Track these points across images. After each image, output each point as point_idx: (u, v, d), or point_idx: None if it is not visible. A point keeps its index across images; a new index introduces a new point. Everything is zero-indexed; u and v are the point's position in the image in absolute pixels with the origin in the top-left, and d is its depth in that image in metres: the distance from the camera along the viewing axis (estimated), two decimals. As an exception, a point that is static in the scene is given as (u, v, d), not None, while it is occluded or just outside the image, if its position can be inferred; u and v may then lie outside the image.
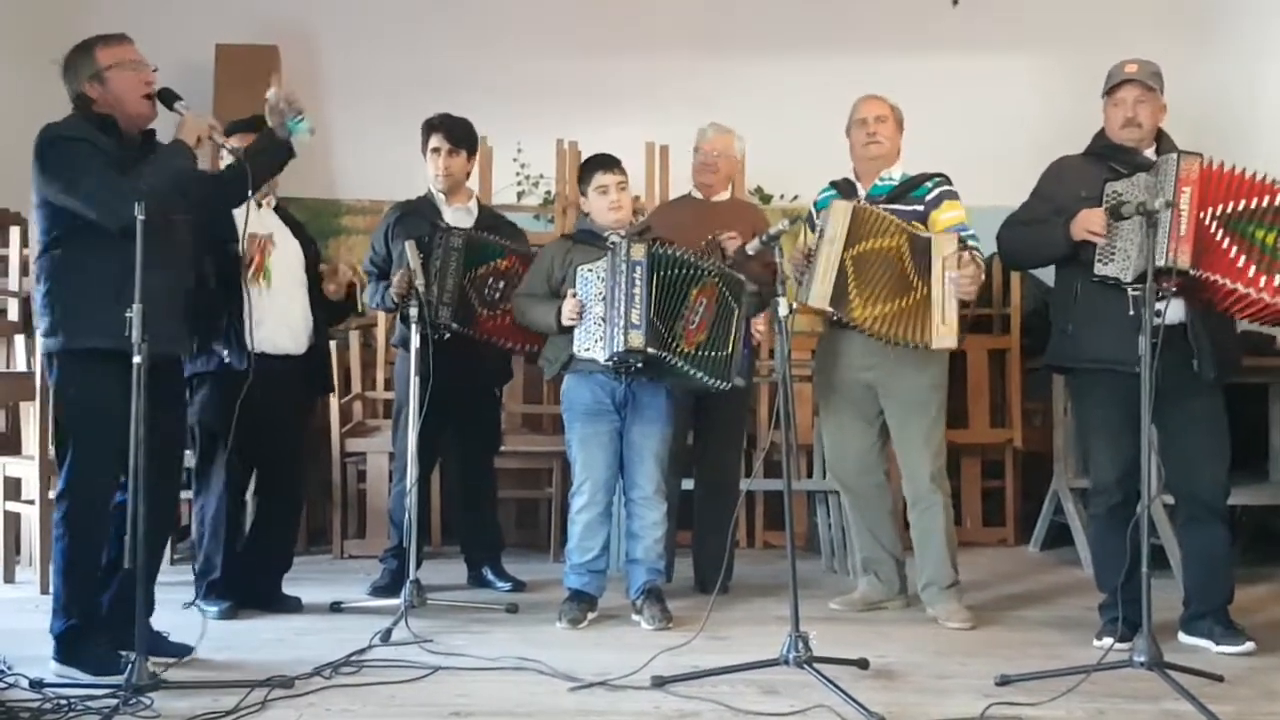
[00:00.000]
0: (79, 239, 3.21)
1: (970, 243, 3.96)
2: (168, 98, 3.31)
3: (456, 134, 4.47)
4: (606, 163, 4.09)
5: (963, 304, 3.98)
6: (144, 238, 3.05)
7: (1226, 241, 3.40)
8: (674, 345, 3.81)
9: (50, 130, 3.23)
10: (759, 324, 3.92)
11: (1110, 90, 3.70)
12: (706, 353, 3.84)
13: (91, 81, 3.30)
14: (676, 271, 3.84)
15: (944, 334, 3.88)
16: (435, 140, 4.46)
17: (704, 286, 3.86)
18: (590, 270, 3.87)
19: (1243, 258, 3.39)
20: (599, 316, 3.83)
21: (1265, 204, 3.42)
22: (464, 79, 6.43)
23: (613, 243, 3.88)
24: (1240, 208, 3.42)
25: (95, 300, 3.19)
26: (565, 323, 3.87)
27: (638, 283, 3.78)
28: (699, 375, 3.83)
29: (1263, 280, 3.38)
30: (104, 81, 3.29)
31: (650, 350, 3.76)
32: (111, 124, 3.28)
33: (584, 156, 5.17)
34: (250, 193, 3.55)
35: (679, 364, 3.81)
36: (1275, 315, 3.50)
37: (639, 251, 3.82)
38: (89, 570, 3.28)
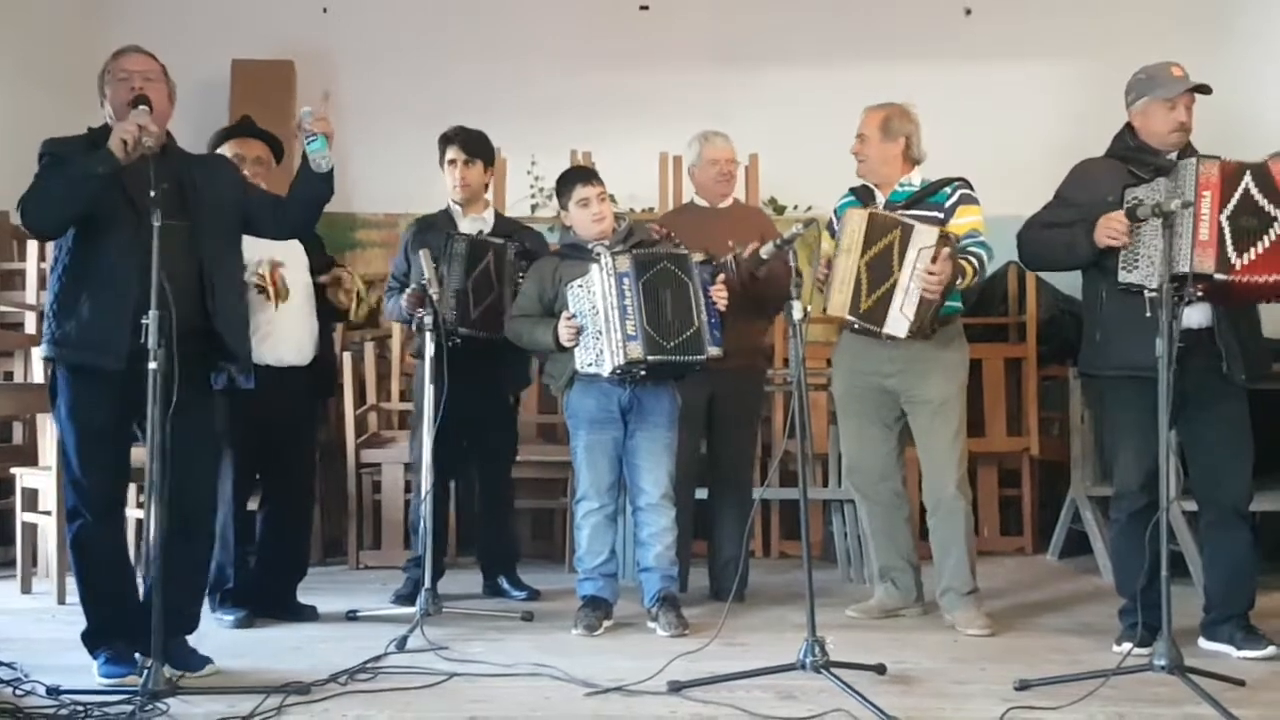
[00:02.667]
0: (66, 250, 3.27)
1: (971, 248, 3.93)
2: (136, 104, 3.22)
3: (472, 145, 4.50)
4: (585, 175, 4.12)
5: (942, 302, 3.89)
6: (108, 246, 3.09)
7: (1229, 238, 3.39)
8: (667, 345, 3.83)
9: (40, 146, 3.30)
10: (718, 290, 3.92)
11: (1169, 97, 3.64)
12: (683, 337, 3.85)
13: (101, 99, 3.37)
14: (653, 272, 3.87)
15: (896, 321, 3.83)
16: (451, 152, 4.49)
17: (665, 277, 3.88)
18: (580, 286, 3.89)
19: (1229, 246, 3.38)
20: (596, 331, 3.85)
21: (1245, 188, 3.41)
22: (478, 92, 6.47)
23: (597, 254, 3.90)
24: (1237, 201, 3.41)
25: (63, 310, 3.23)
26: (564, 344, 3.89)
27: (627, 294, 3.81)
28: (683, 360, 3.86)
29: (1238, 263, 3.37)
30: (105, 97, 3.36)
31: (650, 358, 3.80)
32: (105, 138, 3.26)
33: (598, 168, 5.19)
34: (292, 229, 3.68)
35: (674, 359, 3.84)
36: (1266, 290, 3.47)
37: (624, 263, 3.84)
38: (96, 582, 3.33)
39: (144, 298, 3.04)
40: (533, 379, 4.95)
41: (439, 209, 4.60)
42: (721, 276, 3.98)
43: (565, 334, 3.89)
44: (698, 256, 3.96)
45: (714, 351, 3.90)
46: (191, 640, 3.42)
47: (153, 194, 3.05)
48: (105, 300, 3.17)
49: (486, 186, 4.63)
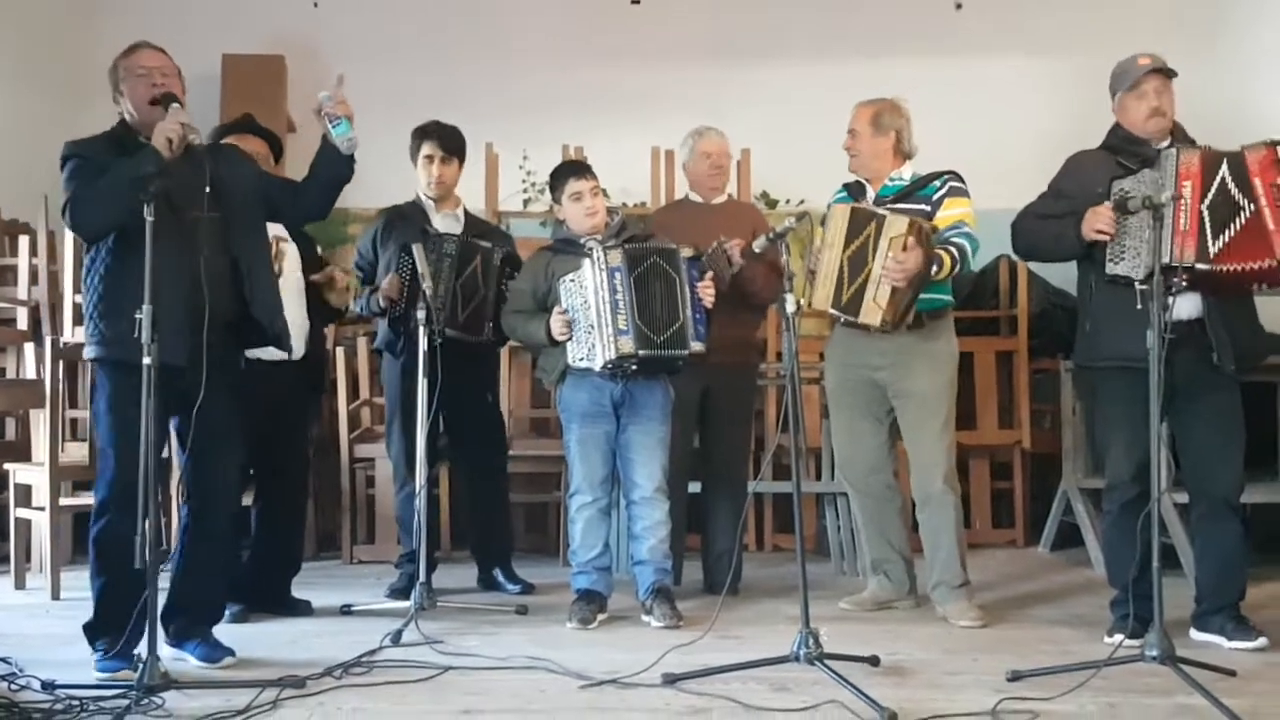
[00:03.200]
0: (106, 250, 3.29)
1: (954, 238, 3.93)
2: (165, 101, 3.26)
3: (449, 142, 4.48)
4: (579, 169, 4.12)
5: (916, 293, 3.89)
6: (149, 244, 3.07)
7: (1209, 226, 3.41)
8: (657, 340, 3.85)
9: (63, 149, 3.30)
10: (706, 286, 3.93)
11: (1133, 85, 3.68)
12: (669, 331, 3.87)
13: (117, 95, 3.38)
14: (645, 267, 3.88)
15: (870, 310, 3.84)
16: (428, 148, 4.46)
17: (655, 271, 3.90)
18: (573, 281, 3.91)
19: (1208, 235, 3.40)
20: (588, 325, 3.86)
21: (1221, 176, 3.43)
22: (469, 88, 6.48)
23: (590, 248, 3.91)
24: (1215, 188, 3.43)
25: (111, 311, 3.25)
26: (556, 338, 3.91)
27: (619, 288, 3.83)
28: (668, 354, 3.88)
29: (1213, 250, 3.39)
30: (123, 94, 3.36)
31: (641, 352, 3.81)
32: (131, 137, 3.30)
33: (590, 163, 5.17)
34: (310, 213, 3.72)
35: (662, 353, 3.86)
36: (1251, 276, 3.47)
37: (616, 257, 3.86)
38: (111, 577, 3.32)
39: (193, 293, 3.11)
40: (501, 380, 4.95)
41: (408, 200, 4.57)
42: (709, 274, 3.99)
43: (557, 328, 3.90)
44: (686, 252, 3.97)
45: (696, 347, 3.90)
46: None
47: (207, 191, 3.14)
48: (155, 297, 3.11)
49: (456, 184, 4.60)
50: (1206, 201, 3.42)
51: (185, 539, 3.40)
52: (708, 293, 3.94)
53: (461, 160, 4.56)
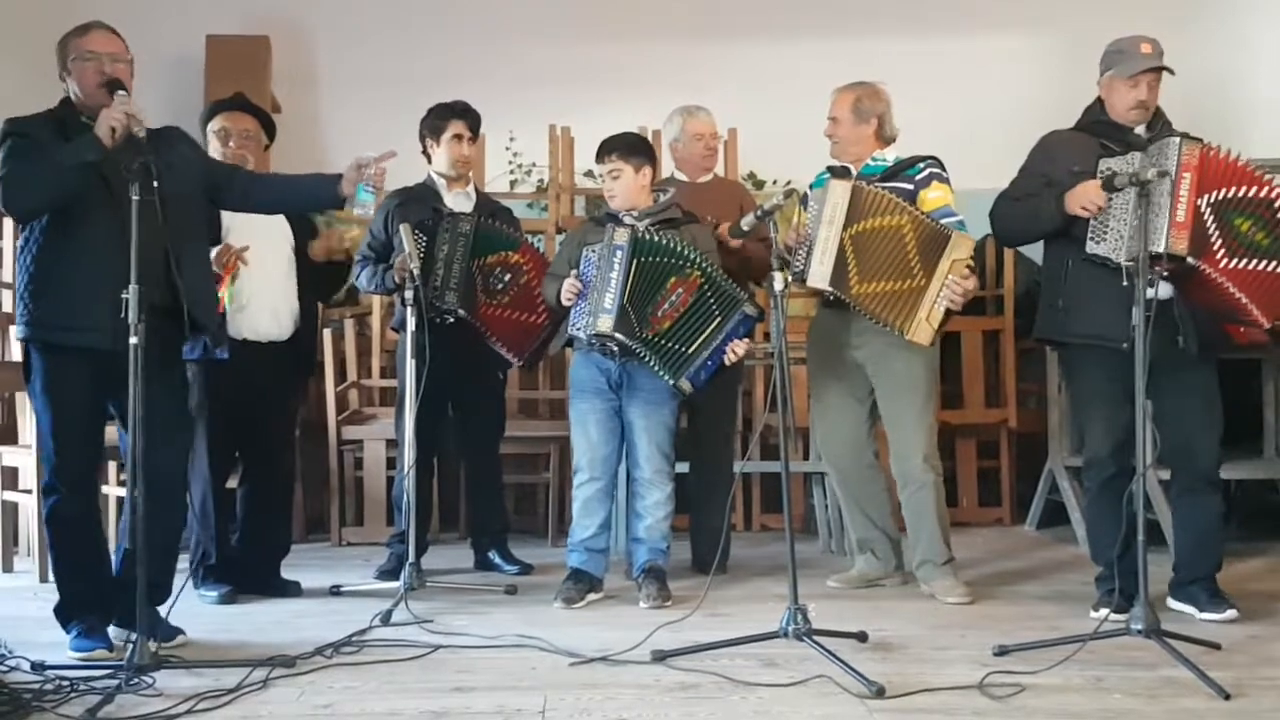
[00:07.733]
0: (40, 230, 3.25)
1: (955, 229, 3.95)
2: (112, 87, 3.21)
3: (475, 122, 4.50)
4: (600, 150, 4.07)
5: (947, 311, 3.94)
6: (83, 225, 3.09)
7: (1212, 226, 3.41)
8: (640, 333, 3.83)
9: (1, 126, 3.26)
10: (737, 346, 3.91)
11: (1130, 75, 3.65)
12: (665, 343, 3.85)
13: (63, 74, 3.34)
14: (657, 259, 3.86)
15: (923, 330, 3.87)
16: (458, 127, 4.44)
17: (685, 279, 3.87)
18: (592, 251, 3.91)
19: (1219, 242, 3.40)
20: (592, 295, 3.86)
21: (1249, 193, 3.42)
22: (455, 67, 6.44)
23: (608, 226, 3.91)
24: (1229, 195, 3.42)
25: (40, 291, 3.23)
26: (564, 302, 3.91)
27: (616, 267, 3.82)
28: (651, 361, 3.85)
29: (1224, 262, 3.39)
30: (70, 74, 3.32)
31: (619, 335, 3.80)
32: (74, 118, 3.27)
33: (576, 142, 5.11)
34: (261, 210, 3.78)
35: (639, 349, 3.84)
36: (1230, 302, 3.45)
37: (621, 236, 3.85)
38: (70, 557, 3.33)
39: (123, 274, 3.03)
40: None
41: (418, 181, 4.55)
42: (745, 342, 3.96)
43: (566, 289, 3.90)
44: (750, 310, 3.92)
45: (683, 385, 3.88)
46: (175, 617, 3.39)
47: (152, 171, 3.03)
48: (87, 279, 3.15)
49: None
50: (1210, 199, 3.40)
51: (133, 520, 3.36)
52: (735, 352, 3.91)
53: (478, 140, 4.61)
